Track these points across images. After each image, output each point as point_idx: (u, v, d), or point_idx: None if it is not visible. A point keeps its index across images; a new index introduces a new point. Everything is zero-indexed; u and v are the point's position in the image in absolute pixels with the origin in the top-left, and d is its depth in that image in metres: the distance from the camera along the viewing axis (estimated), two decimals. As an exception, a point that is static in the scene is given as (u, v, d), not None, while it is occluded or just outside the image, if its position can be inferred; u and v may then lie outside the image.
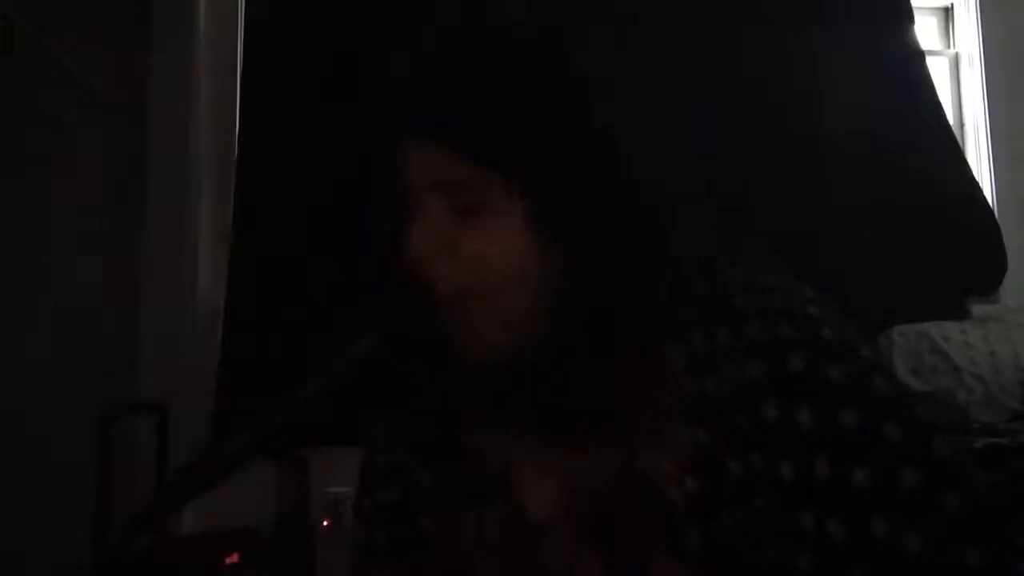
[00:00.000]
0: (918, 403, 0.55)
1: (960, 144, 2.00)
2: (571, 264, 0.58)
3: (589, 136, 0.59)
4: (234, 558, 1.46)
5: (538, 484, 0.63)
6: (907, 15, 1.91)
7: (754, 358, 0.57)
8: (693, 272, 0.62)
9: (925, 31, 2.21)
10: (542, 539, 0.61)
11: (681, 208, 0.62)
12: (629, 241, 0.59)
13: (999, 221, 1.86)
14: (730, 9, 1.79)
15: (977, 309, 1.75)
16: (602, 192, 0.58)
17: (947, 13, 2.32)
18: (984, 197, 1.90)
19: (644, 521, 0.57)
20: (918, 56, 1.90)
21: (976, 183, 1.90)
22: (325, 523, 1.64)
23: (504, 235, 0.57)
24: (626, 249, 0.59)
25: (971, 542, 0.49)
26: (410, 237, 0.59)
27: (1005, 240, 1.83)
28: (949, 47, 2.29)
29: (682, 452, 0.57)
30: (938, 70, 2.18)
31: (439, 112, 0.57)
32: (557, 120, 0.58)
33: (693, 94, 1.58)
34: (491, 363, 0.60)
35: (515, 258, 0.58)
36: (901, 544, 0.50)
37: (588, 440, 0.61)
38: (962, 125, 2.22)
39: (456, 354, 0.60)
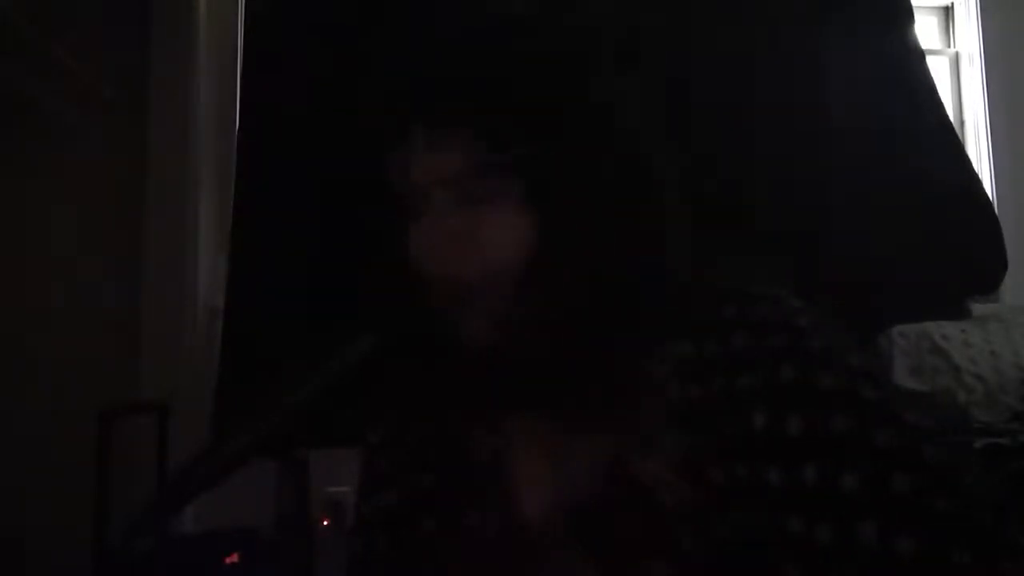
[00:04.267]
0: (909, 409, 0.55)
1: (961, 142, 2.00)
2: (576, 254, 0.58)
3: (600, 127, 0.59)
4: (234, 558, 1.46)
5: (533, 485, 0.63)
6: (907, 14, 1.90)
7: (743, 369, 0.57)
8: (686, 277, 0.62)
9: (925, 30, 2.21)
10: (537, 541, 0.61)
11: (679, 210, 0.63)
12: (631, 235, 0.59)
13: (999, 221, 1.86)
14: (729, 8, 1.79)
15: (977, 309, 1.75)
16: (609, 184, 0.59)
17: (947, 12, 2.32)
18: (985, 196, 1.90)
19: (637, 524, 0.57)
20: (918, 55, 1.89)
21: (977, 182, 1.90)
22: (325, 523, 1.64)
23: (513, 225, 0.58)
24: (629, 243, 0.59)
25: (961, 543, 0.49)
26: (419, 233, 0.60)
27: (1005, 240, 1.82)
28: (949, 46, 2.29)
29: (673, 457, 0.57)
30: (938, 70, 2.18)
31: (457, 101, 0.57)
32: (570, 110, 0.58)
33: (692, 93, 1.58)
34: (492, 353, 0.60)
35: (523, 248, 0.58)
36: (890, 547, 0.50)
37: (583, 428, 0.61)
38: (962, 125, 2.22)
39: (458, 347, 0.60)
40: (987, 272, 1.82)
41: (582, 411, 0.60)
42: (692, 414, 0.58)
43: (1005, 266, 1.82)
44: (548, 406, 0.62)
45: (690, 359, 0.59)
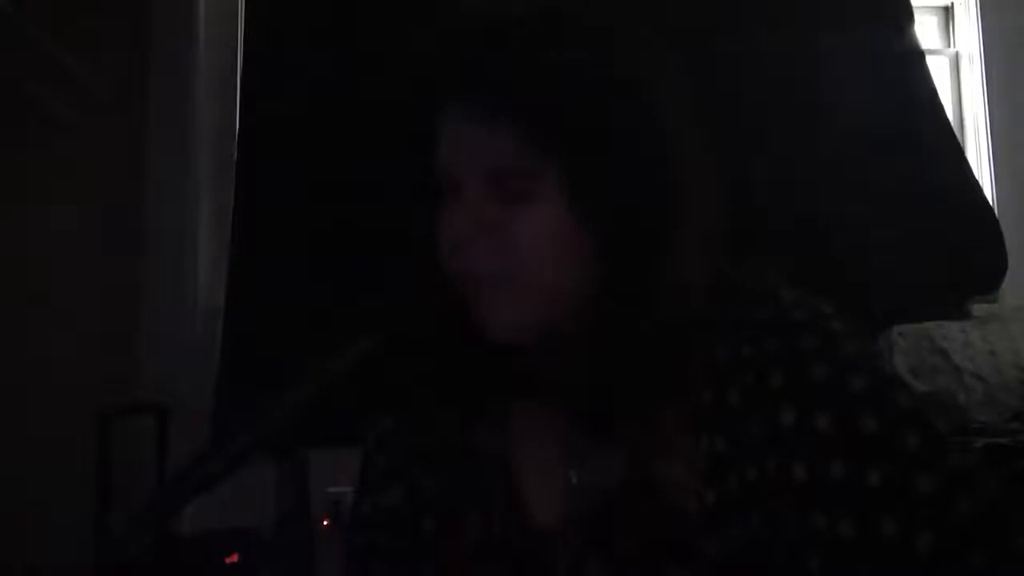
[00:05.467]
0: (936, 416, 0.56)
1: (960, 143, 2.00)
2: (611, 256, 0.58)
3: (640, 130, 0.59)
4: (234, 558, 1.46)
5: (545, 487, 0.63)
6: (907, 14, 1.90)
7: (776, 369, 0.57)
8: (716, 280, 0.62)
9: (925, 30, 2.20)
10: (547, 544, 0.61)
11: (710, 212, 0.63)
12: (668, 241, 0.59)
13: (999, 221, 1.86)
14: (729, 9, 1.79)
15: (977, 309, 1.75)
16: (646, 188, 0.59)
17: (947, 12, 2.31)
18: (984, 196, 1.90)
19: (653, 530, 0.57)
20: (918, 55, 1.89)
21: (976, 182, 1.90)
22: (325, 523, 1.64)
23: (547, 223, 0.58)
24: (665, 249, 0.59)
25: (978, 545, 0.50)
26: (448, 219, 0.59)
27: (1005, 240, 1.82)
28: (949, 46, 2.29)
29: (698, 462, 0.58)
30: (938, 70, 2.17)
31: (506, 96, 0.57)
32: (612, 113, 0.58)
33: (696, 95, 1.58)
34: (516, 347, 0.60)
35: (555, 246, 0.58)
36: (909, 544, 0.50)
37: (606, 434, 0.61)
38: (962, 125, 2.22)
39: (478, 340, 0.60)
40: (987, 272, 1.82)
41: (603, 411, 0.60)
42: (726, 416, 0.58)
43: (1005, 266, 1.82)
44: (566, 406, 0.62)
45: (723, 360, 0.60)
